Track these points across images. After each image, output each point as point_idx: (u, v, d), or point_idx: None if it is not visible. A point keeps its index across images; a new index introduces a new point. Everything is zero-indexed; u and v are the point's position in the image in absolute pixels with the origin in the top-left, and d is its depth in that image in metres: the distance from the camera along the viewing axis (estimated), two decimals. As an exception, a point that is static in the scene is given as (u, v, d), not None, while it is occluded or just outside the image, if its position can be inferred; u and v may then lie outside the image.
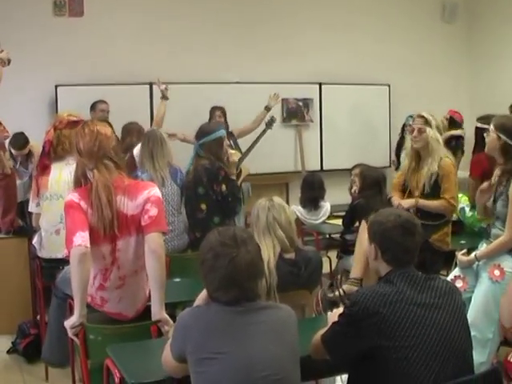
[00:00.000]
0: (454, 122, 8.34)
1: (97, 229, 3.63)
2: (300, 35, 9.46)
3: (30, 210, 5.32)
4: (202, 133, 5.80)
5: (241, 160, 7.17)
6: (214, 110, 8.17)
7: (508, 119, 4.55)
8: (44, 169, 5.13)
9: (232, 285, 2.62)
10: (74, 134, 5.00)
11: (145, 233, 3.68)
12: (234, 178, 5.90)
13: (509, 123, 4.45)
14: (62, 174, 5.03)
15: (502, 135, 4.40)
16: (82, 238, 3.50)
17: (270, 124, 7.93)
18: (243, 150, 7.80)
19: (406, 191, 5.57)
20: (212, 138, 5.74)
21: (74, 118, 5.12)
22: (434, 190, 5.38)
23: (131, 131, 6.93)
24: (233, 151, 7.12)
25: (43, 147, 5.19)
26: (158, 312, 3.62)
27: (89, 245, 3.52)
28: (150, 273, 3.66)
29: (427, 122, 5.41)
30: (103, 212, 3.60)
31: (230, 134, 7.74)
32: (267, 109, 8.29)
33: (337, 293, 4.92)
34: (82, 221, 3.59)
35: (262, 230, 3.96)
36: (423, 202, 5.40)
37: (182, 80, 8.61)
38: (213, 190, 5.62)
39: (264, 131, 7.87)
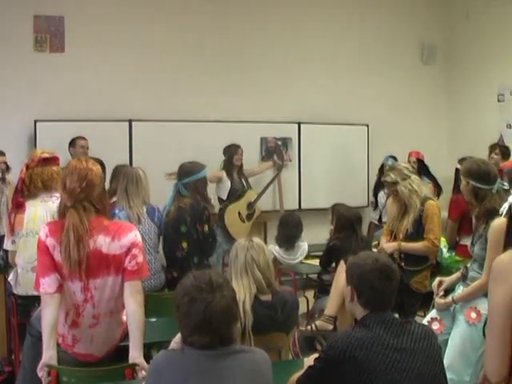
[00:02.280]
0: (421, 162, 8.46)
1: (63, 266, 3.62)
2: (279, 75, 9.50)
3: (5, 247, 5.29)
4: (186, 172, 5.78)
5: (256, 200, 8.00)
6: (234, 147, 8.28)
7: (473, 164, 4.66)
8: (18, 206, 5.09)
9: (207, 330, 2.59)
10: (46, 171, 5.03)
11: (129, 278, 3.68)
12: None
13: (474, 167, 4.59)
14: (38, 211, 4.99)
15: (469, 180, 4.55)
16: (43, 286, 3.60)
17: (280, 169, 9.20)
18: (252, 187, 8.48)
19: (391, 235, 5.62)
20: (198, 178, 5.75)
21: (47, 155, 5.10)
22: (417, 231, 5.42)
23: None
24: (250, 191, 8.20)
25: (16, 185, 5.17)
26: (138, 356, 3.57)
27: (52, 290, 3.59)
28: (132, 317, 3.64)
29: (395, 184, 5.49)
30: (70, 252, 3.58)
31: (242, 173, 8.32)
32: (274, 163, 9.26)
33: (309, 327, 4.94)
34: (47, 264, 3.64)
35: (239, 269, 3.95)
36: (406, 246, 5.45)
37: (160, 118, 8.65)
38: (195, 229, 5.61)
39: (277, 175, 9.09)
